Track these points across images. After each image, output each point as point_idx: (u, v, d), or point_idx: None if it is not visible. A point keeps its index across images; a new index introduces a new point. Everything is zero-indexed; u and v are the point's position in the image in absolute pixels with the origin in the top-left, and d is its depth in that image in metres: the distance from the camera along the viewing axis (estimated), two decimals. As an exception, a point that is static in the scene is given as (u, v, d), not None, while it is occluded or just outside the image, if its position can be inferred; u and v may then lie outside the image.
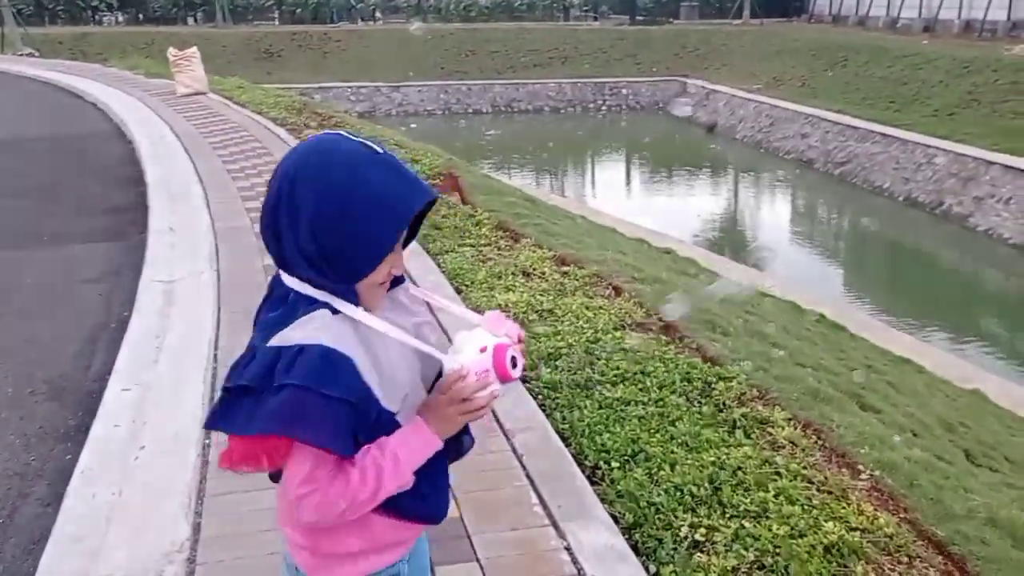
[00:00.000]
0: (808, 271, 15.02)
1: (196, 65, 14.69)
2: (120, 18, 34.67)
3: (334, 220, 1.27)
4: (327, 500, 1.30)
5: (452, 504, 3.05)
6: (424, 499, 1.45)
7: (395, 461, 1.34)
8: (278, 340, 1.27)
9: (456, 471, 3.24)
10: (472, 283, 5.37)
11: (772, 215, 19.97)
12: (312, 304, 1.30)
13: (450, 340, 1.41)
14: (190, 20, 34.92)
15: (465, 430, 1.50)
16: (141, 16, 34.24)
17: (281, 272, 1.35)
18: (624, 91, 30.39)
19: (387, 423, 1.35)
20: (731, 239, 17.11)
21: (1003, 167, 15.87)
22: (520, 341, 1.44)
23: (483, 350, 1.37)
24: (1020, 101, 18.43)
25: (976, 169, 16.57)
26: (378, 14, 37.24)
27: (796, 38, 29.51)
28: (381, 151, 1.32)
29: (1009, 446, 5.83)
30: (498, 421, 3.65)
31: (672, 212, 18.51)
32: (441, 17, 35.47)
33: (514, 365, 1.39)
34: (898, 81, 22.76)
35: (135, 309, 4.97)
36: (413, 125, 25.11)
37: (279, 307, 1.32)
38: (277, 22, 35.01)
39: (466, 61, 30.19)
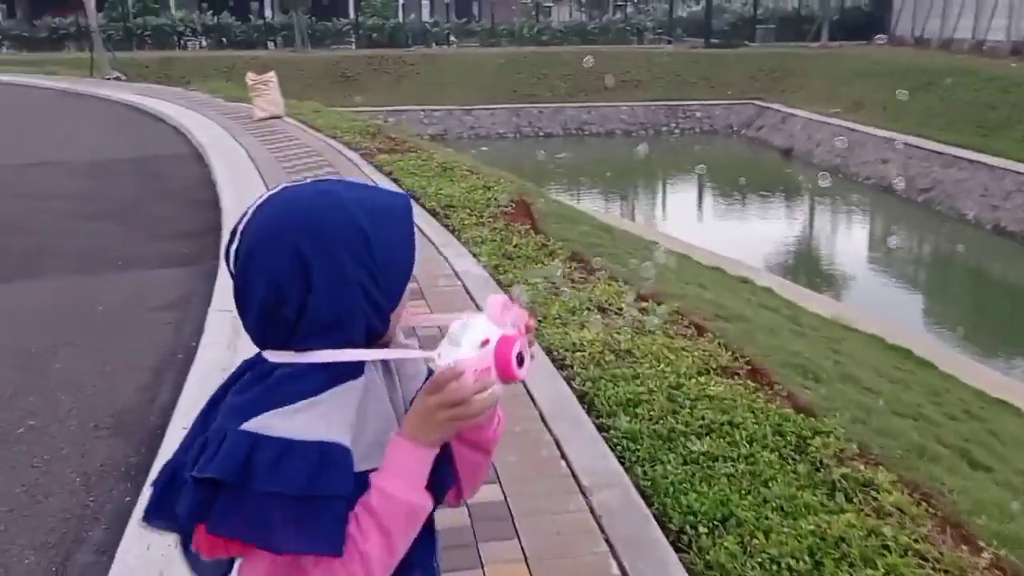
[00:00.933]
0: (888, 302, 14.35)
1: (273, 89, 14.87)
2: (204, 43, 35.70)
3: (383, 249, 1.11)
4: None
5: (524, 572, 2.82)
6: None
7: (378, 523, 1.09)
8: (256, 426, 1.04)
9: (530, 534, 3.02)
10: (544, 318, 5.14)
11: (850, 242, 19.28)
12: (304, 381, 1.08)
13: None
14: (270, 44, 35.74)
15: (447, 459, 1.22)
16: (224, 40, 35.18)
17: (271, 352, 1.12)
18: (698, 114, 29.91)
19: (364, 484, 1.12)
20: (807, 266, 16.53)
21: (1103, 196, 14.99)
22: (529, 331, 1.18)
23: (485, 343, 1.12)
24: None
25: (1073, 198, 15.69)
26: (452, 38, 37.57)
27: (877, 60, 28.63)
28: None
29: None
30: (575, 476, 3.41)
31: (746, 238, 18.00)
32: (514, 41, 35.57)
33: (520, 363, 1.13)
34: (986, 105, 21.83)
35: (202, 341, 4.88)
36: (484, 148, 25.12)
37: (254, 387, 1.10)
38: (354, 46, 35.57)
39: (538, 84, 30.12)
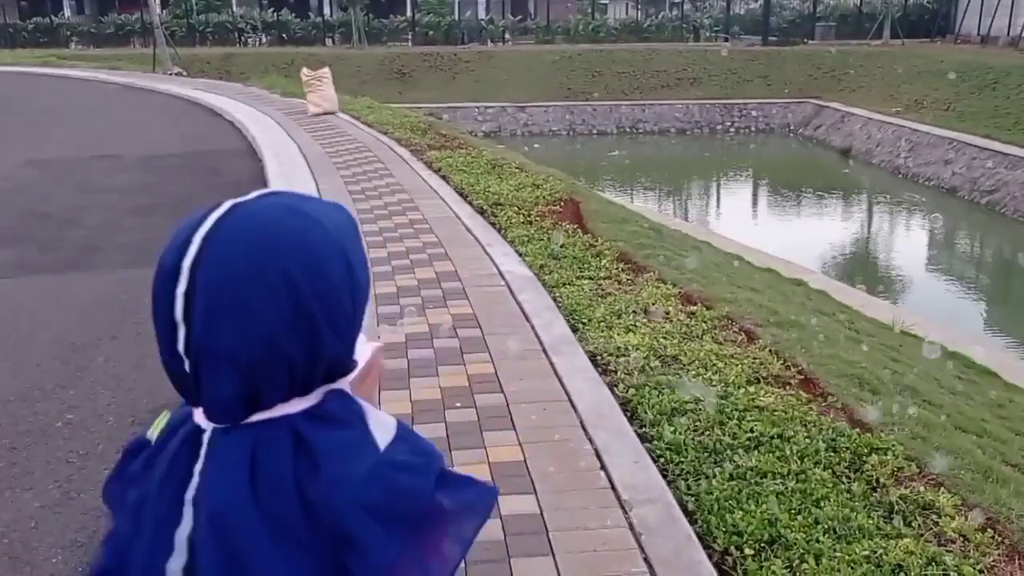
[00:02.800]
0: (950, 307, 13.86)
1: (327, 85, 14.94)
2: (264, 39, 36.19)
3: (360, 268, 0.93)
4: None
5: (559, 590, 2.69)
6: None
7: None
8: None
9: (564, 550, 2.89)
10: (589, 321, 5.00)
11: (909, 246, 18.69)
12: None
13: None
14: (328, 41, 36.08)
15: None
16: (284, 37, 35.62)
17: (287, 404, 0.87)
18: (754, 113, 29.36)
19: None
20: (865, 270, 16.05)
21: None
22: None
23: None
24: None
25: None
26: (507, 36, 37.48)
27: (941, 59, 27.72)
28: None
29: None
30: (614, 490, 3.26)
31: (801, 240, 17.56)
32: (569, 39, 35.34)
33: None
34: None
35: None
36: (536, 146, 24.97)
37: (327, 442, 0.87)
38: (410, 43, 35.72)
39: (593, 82, 29.85)
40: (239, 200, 0.90)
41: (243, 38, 35.77)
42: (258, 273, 0.83)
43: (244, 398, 0.84)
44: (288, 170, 9.86)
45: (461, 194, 8.28)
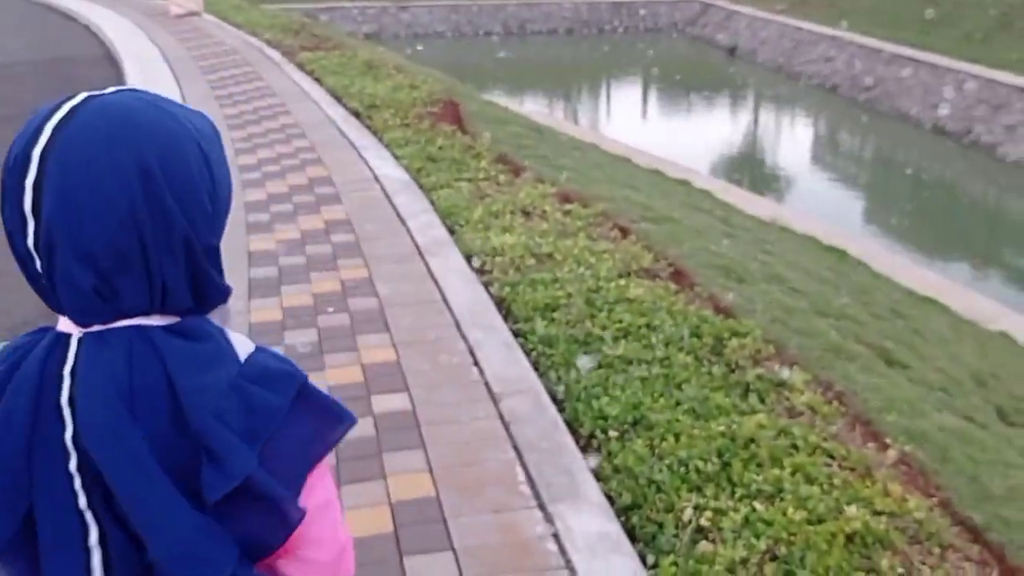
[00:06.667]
0: (829, 202, 14.47)
1: (191, -16, 14.05)
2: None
3: (219, 166, 0.89)
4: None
5: (428, 482, 2.74)
6: None
7: None
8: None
9: (436, 443, 2.93)
10: (467, 222, 4.97)
11: (792, 143, 19.28)
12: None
13: None
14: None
15: None
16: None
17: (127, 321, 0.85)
18: (641, 11, 29.25)
19: None
20: (749, 168, 16.53)
21: (1037, 94, 15.13)
22: None
23: None
24: (1057, 24, 17.49)
25: (1008, 96, 15.80)
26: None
27: (823, -45, 28.15)
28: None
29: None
30: (486, 384, 3.30)
31: (689, 140, 17.86)
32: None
33: None
34: (929, 2, 21.68)
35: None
36: (420, 48, 24.28)
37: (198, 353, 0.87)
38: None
39: (478, -20, 29.06)
40: (94, 92, 0.86)
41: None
42: (111, 160, 0.80)
43: (100, 294, 0.81)
44: (150, 76, 9.29)
45: (335, 97, 8.00)
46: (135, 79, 9.16)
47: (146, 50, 10.90)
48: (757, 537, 2.51)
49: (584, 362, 3.38)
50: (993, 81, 16.22)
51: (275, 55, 10.19)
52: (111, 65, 10.58)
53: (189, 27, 12.72)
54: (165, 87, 8.57)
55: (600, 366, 3.39)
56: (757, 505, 2.63)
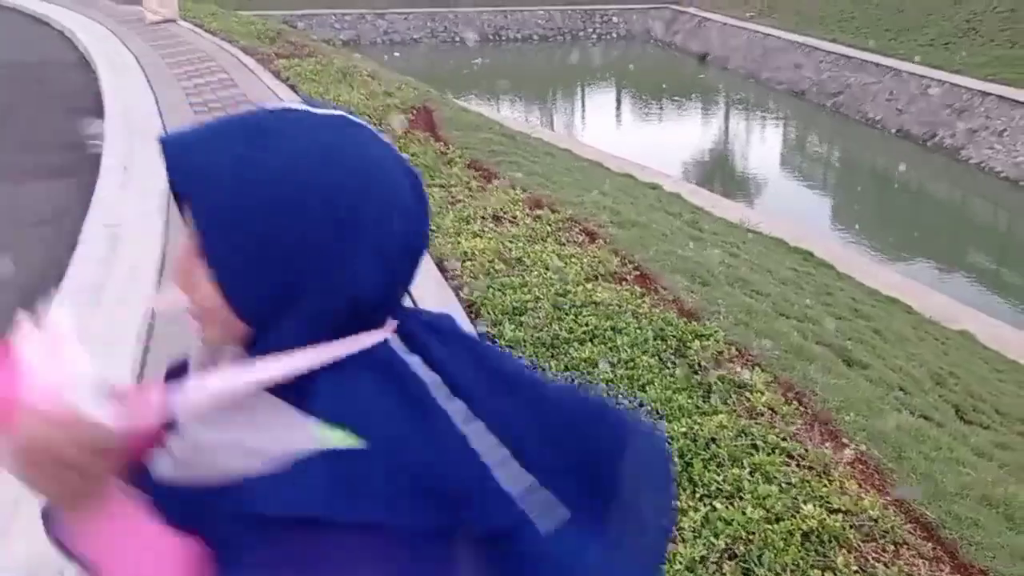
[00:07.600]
0: (797, 205, 14.71)
1: (165, -10, 14.00)
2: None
3: None
4: None
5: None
6: None
7: None
8: None
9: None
10: (438, 228, 5.03)
11: (762, 147, 19.54)
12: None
13: None
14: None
15: None
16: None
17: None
18: (615, 19, 29.54)
19: None
20: (720, 172, 16.74)
21: (998, 98, 15.46)
22: None
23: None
24: (1018, 30, 17.87)
25: (971, 100, 16.15)
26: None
27: (792, -37, 28.55)
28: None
29: (998, 395, 5.62)
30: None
31: (661, 145, 18.06)
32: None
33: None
34: (895, 8, 22.08)
35: (74, 256, 4.63)
36: (397, 54, 24.33)
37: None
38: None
39: (453, -14, 29.17)
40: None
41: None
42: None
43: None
44: (124, 82, 9.27)
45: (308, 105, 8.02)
46: (109, 83, 9.14)
47: (120, 55, 10.86)
48: (716, 536, 2.59)
49: (550, 365, 3.46)
50: (957, 86, 16.55)
51: (250, 62, 10.19)
52: (85, 70, 10.53)
53: (164, 34, 12.69)
54: (138, 93, 8.57)
55: (567, 368, 3.47)
56: (717, 504, 2.71)
